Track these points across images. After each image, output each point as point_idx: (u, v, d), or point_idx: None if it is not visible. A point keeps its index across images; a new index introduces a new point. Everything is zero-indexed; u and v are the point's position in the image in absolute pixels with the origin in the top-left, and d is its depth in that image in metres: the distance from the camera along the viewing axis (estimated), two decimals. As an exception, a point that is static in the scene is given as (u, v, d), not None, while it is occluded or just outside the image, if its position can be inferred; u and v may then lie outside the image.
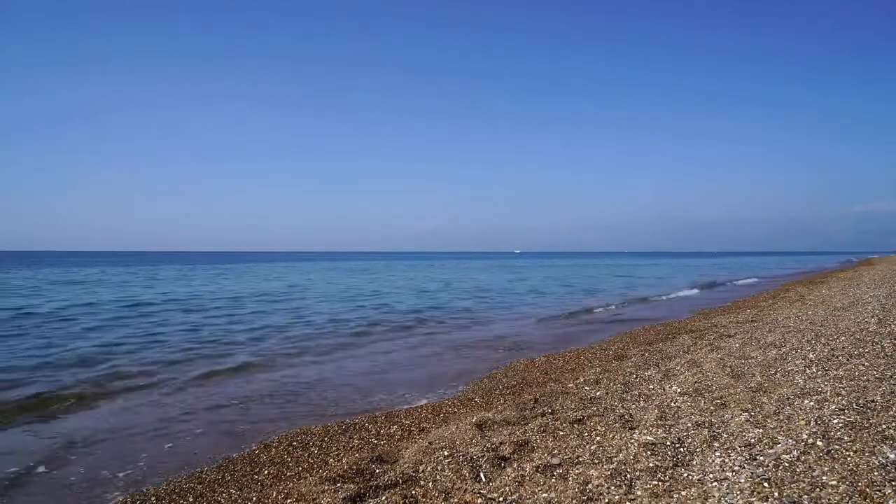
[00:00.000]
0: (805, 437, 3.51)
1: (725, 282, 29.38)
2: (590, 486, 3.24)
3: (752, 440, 3.58)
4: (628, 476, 3.30)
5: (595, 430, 4.30)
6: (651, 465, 3.42)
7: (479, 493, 3.35)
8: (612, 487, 3.17)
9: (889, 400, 4.04)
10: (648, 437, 3.90)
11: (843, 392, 4.39)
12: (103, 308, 16.61)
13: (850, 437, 3.41)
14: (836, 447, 3.27)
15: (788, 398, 4.43)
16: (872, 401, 4.06)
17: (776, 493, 2.80)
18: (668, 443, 3.76)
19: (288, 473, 4.29)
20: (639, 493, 3.07)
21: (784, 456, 3.25)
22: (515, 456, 3.91)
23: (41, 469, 4.70)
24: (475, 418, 4.97)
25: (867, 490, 2.71)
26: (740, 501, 2.79)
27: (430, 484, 3.58)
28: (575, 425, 4.47)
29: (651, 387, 5.60)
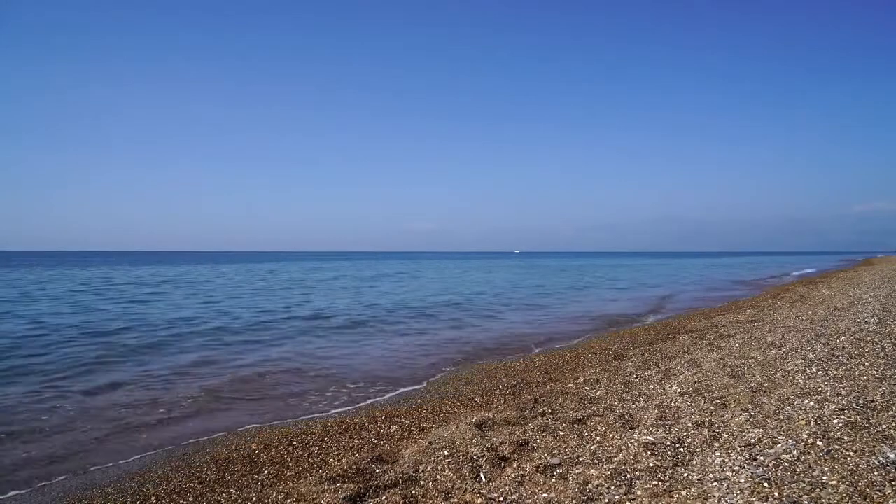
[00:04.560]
0: (805, 437, 3.51)
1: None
2: (590, 486, 3.24)
3: (752, 440, 3.58)
4: (628, 476, 3.30)
5: (595, 430, 4.30)
6: (651, 465, 3.42)
7: (479, 493, 3.36)
8: (612, 487, 3.17)
9: (889, 400, 4.04)
10: (648, 437, 3.90)
11: (843, 392, 4.38)
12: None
13: (850, 437, 3.41)
14: (836, 447, 3.27)
15: (788, 398, 4.43)
16: (872, 401, 4.06)
17: (776, 493, 2.80)
18: (668, 443, 3.76)
19: (288, 473, 4.29)
20: (639, 493, 3.07)
21: (784, 456, 3.25)
22: (515, 456, 3.91)
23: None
24: (475, 418, 4.97)
25: (867, 490, 2.71)
26: (740, 501, 2.79)
27: (430, 484, 3.58)
28: (575, 425, 4.47)
29: (651, 387, 5.59)
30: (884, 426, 3.51)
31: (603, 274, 42.45)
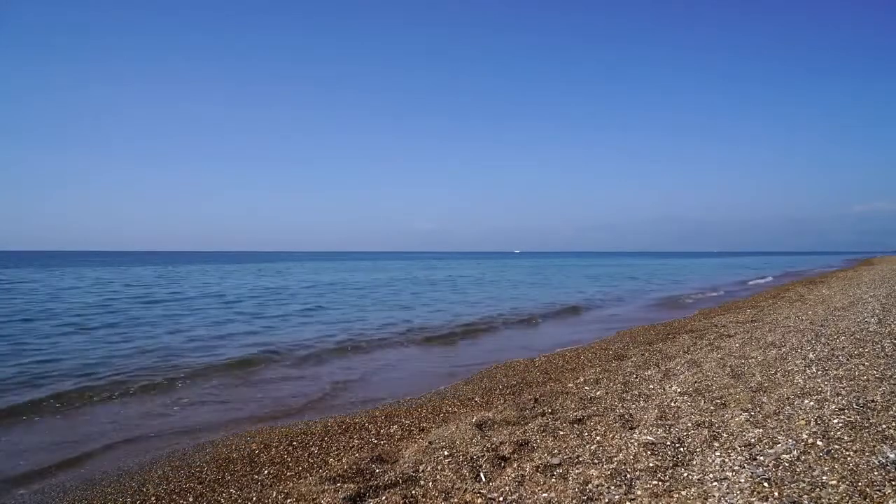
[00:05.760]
0: (805, 437, 3.51)
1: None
2: (590, 485, 3.24)
3: (752, 440, 3.58)
4: (628, 476, 3.30)
5: (595, 429, 4.30)
6: (651, 464, 3.42)
7: (479, 492, 3.35)
8: (612, 487, 3.17)
9: (889, 400, 4.04)
10: (648, 437, 3.90)
11: (843, 392, 4.38)
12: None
13: (850, 436, 3.41)
14: (836, 447, 3.27)
15: (788, 398, 4.43)
16: (872, 401, 4.06)
17: (776, 493, 2.80)
18: (668, 443, 3.76)
19: (288, 473, 4.29)
20: (639, 492, 3.07)
21: (784, 456, 3.25)
22: (515, 456, 3.91)
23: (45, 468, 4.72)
24: (475, 418, 4.97)
25: (867, 490, 2.71)
26: (740, 501, 2.79)
27: (430, 484, 3.58)
28: (575, 425, 4.47)
29: (651, 387, 5.59)
30: (884, 426, 3.51)
31: (623, 273, 42.85)
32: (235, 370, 8.47)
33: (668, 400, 4.92)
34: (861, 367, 5.17)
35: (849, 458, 3.09)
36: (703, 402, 4.69)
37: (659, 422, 4.27)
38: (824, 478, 2.90)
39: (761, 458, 3.28)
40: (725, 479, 3.07)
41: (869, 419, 3.67)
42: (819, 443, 3.37)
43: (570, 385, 6.27)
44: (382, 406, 6.23)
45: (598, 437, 4.09)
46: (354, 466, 4.04)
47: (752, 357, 6.44)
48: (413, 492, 3.49)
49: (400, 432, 5.13)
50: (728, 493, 2.88)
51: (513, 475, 3.53)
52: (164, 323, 13.60)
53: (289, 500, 3.66)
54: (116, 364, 8.68)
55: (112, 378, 7.73)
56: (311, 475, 4.12)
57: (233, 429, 5.64)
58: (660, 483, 3.15)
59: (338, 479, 3.84)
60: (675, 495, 2.97)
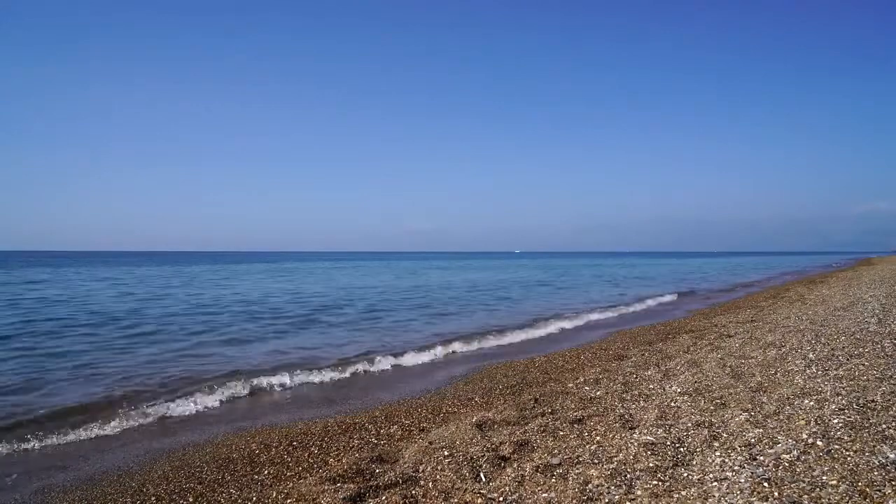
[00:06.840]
0: (805, 436, 3.51)
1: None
2: (590, 485, 3.24)
3: (752, 440, 3.58)
4: (628, 476, 3.30)
5: (595, 430, 4.30)
6: (651, 464, 3.42)
7: (479, 492, 3.36)
8: (612, 487, 3.17)
9: (889, 400, 4.04)
10: (648, 437, 3.91)
11: (843, 392, 4.38)
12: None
13: (850, 436, 3.41)
14: (836, 447, 3.27)
15: (788, 398, 4.43)
16: (872, 401, 4.06)
17: (776, 493, 2.80)
18: (668, 443, 3.76)
19: (288, 473, 4.29)
20: (639, 492, 3.07)
21: (784, 456, 3.25)
22: (515, 456, 3.91)
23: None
24: (475, 418, 4.98)
25: (867, 490, 2.71)
26: (740, 501, 2.79)
27: (430, 484, 3.58)
28: (575, 425, 4.47)
29: (651, 387, 5.59)
30: (884, 426, 3.51)
31: (638, 273, 42.89)
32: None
33: (668, 400, 4.92)
34: (861, 367, 5.17)
35: (849, 458, 3.09)
36: (703, 402, 4.69)
37: (659, 422, 4.27)
38: (824, 478, 2.90)
39: (761, 458, 3.28)
40: (725, 479, 3.07)
41: (869, 419, 3.67)
42: (819, 443, 3.37)
43: (570, 385, 6.27)
44: (382, 406, 6.24)
45: (598, 437, 4.09)
46: (354, 466, 4.05)
47: (752, 357, 6.44)
48: (413, 492, 3.49)
49: (400, 432, 5.13)
50: (728, 493, 2.89)
51: (513, 475, 3.53)
52: (216, 329, 12.53)
53: (289, 500, 3.66)
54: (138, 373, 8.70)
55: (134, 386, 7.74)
56: (311, 475, 4.12)
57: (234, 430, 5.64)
58: (660, 483, 3.15)
59: (338, 479, 3.84)
60: (675, 495, 2.98)
